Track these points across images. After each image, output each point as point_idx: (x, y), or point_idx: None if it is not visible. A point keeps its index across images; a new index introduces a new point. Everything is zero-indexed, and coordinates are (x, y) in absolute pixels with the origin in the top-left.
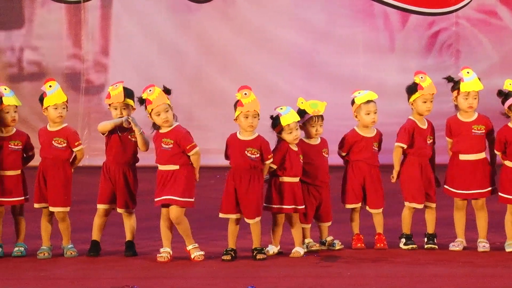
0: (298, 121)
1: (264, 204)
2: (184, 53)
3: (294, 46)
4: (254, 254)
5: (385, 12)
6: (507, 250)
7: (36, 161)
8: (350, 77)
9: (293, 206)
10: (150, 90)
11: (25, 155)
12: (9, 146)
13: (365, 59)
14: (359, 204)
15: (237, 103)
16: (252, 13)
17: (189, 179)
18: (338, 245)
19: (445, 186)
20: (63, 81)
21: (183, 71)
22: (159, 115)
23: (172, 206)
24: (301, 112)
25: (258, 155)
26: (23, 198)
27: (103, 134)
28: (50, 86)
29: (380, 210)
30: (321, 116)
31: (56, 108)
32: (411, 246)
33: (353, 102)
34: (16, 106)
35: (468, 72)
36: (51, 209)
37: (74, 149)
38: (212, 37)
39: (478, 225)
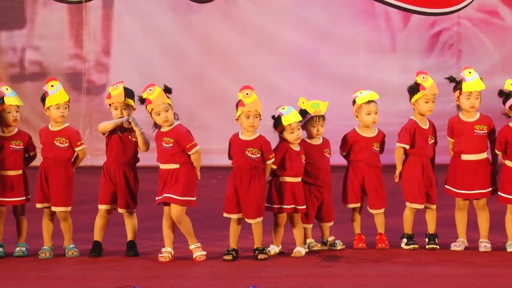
0: (300, 121)
1: (266, 204)
2: (185, 53)
3: (296, 46)
4: (256, 254)
5: (386, 12)
6: (509, 250)
7: (37, 161)
8: (351, 77)
9: (293, 206)
10: (150, 90)
11: (27, 155)
12: (11, 146)
13: (366, 59)
14: (359, 204)
15: (239, 103)
16: (253, 13)
17: (189, 178)
18: (339, 245)
19: (447, 186)
20: (65, 81)
21: (184, 71)
22: (159, 114)
23: (172, 205)
24: (303, 112)
25: (258, 155)
26: (24, 198)
27: (104, 134)
28: (52, 86)
29: (381, 210)
30: (323, 116)
31: (58, 108)
32: (412, 246)
33: (354, 102)
34: (18, 106)
35: (470, 72)
36: (53, 208)
37: (76, 149)
38: (214, 37)
39: (480, 225)
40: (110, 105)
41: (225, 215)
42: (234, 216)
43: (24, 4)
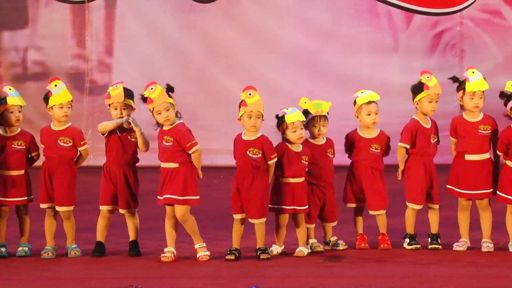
0: (303, 121)
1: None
2: (188, 53)
3: (298, 46)
4: (258, 254)
5: (389, 12)
6: (511, 250)
7: (39, 160)
8: (354, 77)
9: (292, 207)
10: (151, 88)
11: (29, 156)
12: (13, 146)
13: (369, 59)
14: (354, 204)
15: (241, 103)
16: (256, 13)
17: (189, 177)
18: (342, 246)
19: (449, 186)
20: (67, 81)
21: (187, 71)
22: (160, 113)
23: (176, 205)
24: (305, 112)
25: (260, 155)
26: (26, 198)
27: (103, 134)
28: (56, 85)
29: (380, 212)
30: (324, 116)
31: (61, 108)
32: (415, 246)
33: (355, 103)
34: (21, 106)
35: (473, 72)
36: (58, 208)
37: (80, 149)
38: (216, 37)
39: (482, 225)
40: (109, 105)
41: (233, 215)
42: (238, 216)
43: (26, 4)
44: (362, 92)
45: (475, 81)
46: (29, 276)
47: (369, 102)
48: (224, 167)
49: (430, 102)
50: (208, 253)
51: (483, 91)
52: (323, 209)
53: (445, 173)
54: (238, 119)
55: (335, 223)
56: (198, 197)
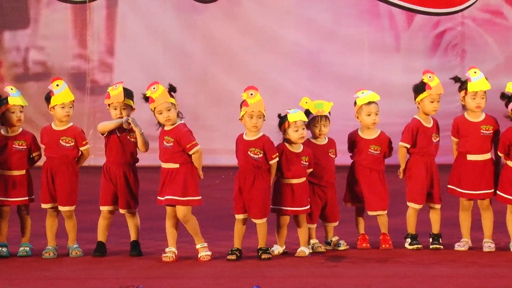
0: (304, 122)
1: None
2: (189, 53)
3: (300, 46)
4: (259, 254)
5: (390, 12)
6: None
7: (40, 160)
8: (355, 77)
9: (292, 208)
10: (154, 88)
11: (31, 156)
12: (14, 146)
13: (370, 59)
14: (360, 204)
15: (243, 103)
16: (257, 13)
17: (189, 177)
18: (343, 246)
19: (450, 186)
20: (69, 81)
21: (188, 71)
22: (161, 113)
23: (177, 206)
24: (306, 112)
25: (261, 155)
26: (27, 198)
27: (103, 134)
28: (57, 85)
29: (379, 212)
30: (325, 116)
31: (63, 107)
32: (416, 246)
33: (355, 103)
34: (22, 106)
35: (475, 72)
36: (60, 208)
37: (81, 148)
38: (218, 37)
39: (484, 225)
40: (109, 105)
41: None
42: (240, 217)
43: (27, 4)
44: (362, 93)
45: (477, 81)
46: (30, 276)
47: (369, 103)
48: (225, 167)
49: (432, 102)
50: (209, 253)
51: (485, 91)
52: (325, 209)
53: (446, 173)
54: (239, 119)
55: (336, 223)
56: (199, 197)
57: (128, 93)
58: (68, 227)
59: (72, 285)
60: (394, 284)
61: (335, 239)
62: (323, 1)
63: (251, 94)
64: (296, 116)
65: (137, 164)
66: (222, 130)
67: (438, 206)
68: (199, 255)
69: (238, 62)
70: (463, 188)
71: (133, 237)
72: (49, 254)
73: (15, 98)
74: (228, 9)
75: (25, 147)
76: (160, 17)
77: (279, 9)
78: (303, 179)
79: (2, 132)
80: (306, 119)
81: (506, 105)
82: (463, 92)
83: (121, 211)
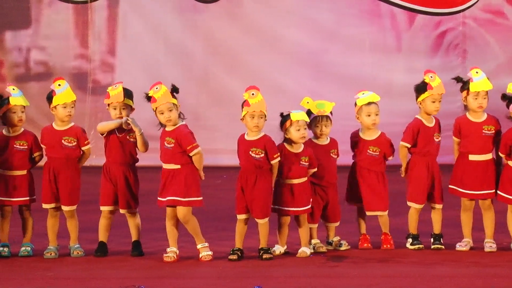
0: (306, 122)
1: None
2: (191, 53)
3: (301, 46)
4: (261, 254)
5: (392, 12)
6: None
7: (41, 161)
8: (357, 77)
9: (291, 208)
10: (156, 88)
11: (32, 156)
12: (15, 146)
13: (372, 59)
14: (361, 204)
15: (244, 103)
16: (259, 13)
17: (190, 178)
18: (344, 246)
19: (452, 186)
20: (70, 81)
21: (190, 71)
22: (162, 113)
23: (178, 206)
24: (308, 112)
25: (262, 155)
26: (28, 198)
27: (102, 134)
28: (59, 85)
29: (377, 212)
30: (326, 116)
31: (65, 107)
32: (417, 246)
33: (356, 104)
34: (24, 106)
35: (477, 72)
36: (64, 208)
37: (84, 148)
38: (219, 37)
39: (485, 225)
40: (108, 105)
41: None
42: (242, 217)
43: (29, 4)
44: (363, 94)
45: (479, 81)
46: (32, 276)
47: (369, 103)
48: (227, 167)
49: (434, 102)
50: (210, 253)
51: (487, 91)
52: (326, 209)
53: (447, 173)
54: (241, 119)
55: (337, 223)
56: (201, 198)
57: (127, 93)
58: (70, 227)
59: (74, 285)
60: (395, 284)
61: (336, 239)
62: (325, 1)
63: (253, 94)
64: (299, 115)
65: (137, 164)
66: (223, 130)
67: (439, 206)
68: (200, 255)
69: (240, 62)
70: (465, 188)
71: (134, 237)
72: (51, 254)
73: (16, 98)
74: (229, 9)
75: (26, 147)
76: (162, 17)
77: (281, 9)
78: (303, 179)
79: (4, 132)
80: (308, 120)
81: (507, 106)
82: (465, 92)
83: (121, 211)
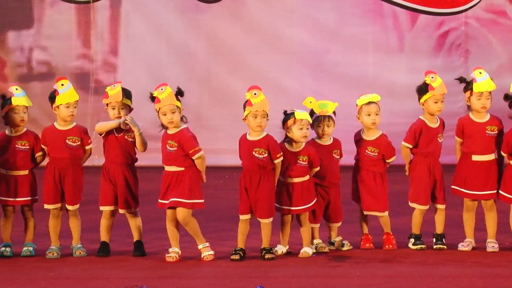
0: (309, 122)
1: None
2: (193, 53)
3: (304, 45)
4: (263, 254)
5: (394, 12)
6: None
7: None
8: (359, 77)
9: (287, 207)
10: (161, 89)
11: (34, 156)
12: (16, 146)
13: (374, 59)
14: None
15: (246, 103)
16: (261, 13)
17: (194, 180)
18: (347, 246)
19: (454, 187)
20: (72, 81)
21: (192, 71)
22: (165, 115)
23: (179, 208)
24: (310, 113)
25: (266, 155)
26: (30, 198)
27: (100, 135)
28: (62, 85)
29: (375, 212)
30: (329, 116)
31: (68, 107)
32: (419, 246)
33: (357, 105)
34: (26, 106)
35: (480, 73)
36: (69, 207)
37: (87, 147)
38: (221, 37)
39: (487, 225)
40: (107, 104)
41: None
42: (244, 217)
43: (32, 4)
44: (365, 96)
45: (483, 81)
46: (34, 276)
47: (369, 103)
48: (229, 167)
49: (436, 102)
50: (212, 252)
51: (490, 92)
52: (327, 209)
53: (450, 173)
54: (243, 119)
55: (339, 224)
56: (203, 200)
57: (126, 93)
58: (73, 227)
59: (76, 285)
60: (397, 284)
61: (338, 239)
62: (327, 0)
63: (255, 93)
64: (303, 114)
65: (137, 164)
66: (225, 130)
67: (442, 206)
68: (202, 255)
69: (242, 62)
70: (468, 189)
71: (136, 237)
72: (53, 254)
73: (19, 98)
74: (232, 9)
75: (27, 147)
76: (164, 17)
77: (283, 8)
78: (303, 178)
79: (7, 132)
80: (310, 121)
81: (510, 106)
82: (468, 93)
83: (121, 211)
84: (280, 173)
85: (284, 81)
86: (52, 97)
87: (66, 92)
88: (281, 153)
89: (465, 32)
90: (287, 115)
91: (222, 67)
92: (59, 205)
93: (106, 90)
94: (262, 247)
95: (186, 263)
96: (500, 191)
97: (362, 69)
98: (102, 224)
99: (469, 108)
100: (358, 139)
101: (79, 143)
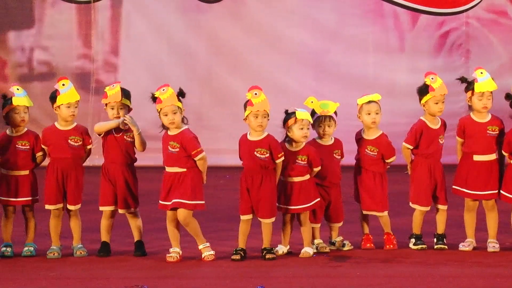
0: (310, 122)
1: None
2: (194, 53)
3: (304, 46)
4: (264, 254)
5: (395, 12)
6: None
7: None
8: (360, 77)
9: (287, 206)
10: (163, 90)
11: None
12: (17, 146)
13: (375, 59)
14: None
15: (247, 103)
16: (262, 13)
17: (196, 181)
18: (347, 246)
19: (455, 187)
20: (73, 81)
21: (193, 71)
22: (166, 115)
23: (180, 209)
24: (311, 113)
25: (267, 154)
26: (30, 198)
27: (99, 135)
28: (64, 85)
29: (373, 212)
30: (330, 116)
31: (69, 107)
32: (420, 246)
33: (357, 104)
34: (27, 106)
35: (481, 73)
36: (70, 207)
37: (88, 147)
38: (222, 37)
39: (488, 225)
40: (106, 104)
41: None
42: (245, 217)
43: (32, 4)
44: (366, 96)
45: (484, 81)
46: (35, 276)
47: (369, 102)
48: (230, 167)
49: (437, 103)
50: (212, 252)
51: (491, 92)
52: (328, 209)
53: (451, 173)
54: (244, 119)
55: (340, 224)
56: (204, 201)
57: (125, 93)
58: (74, 227)
59: (76, 285)
60: (398, 284)
61: (339, 239)
62: (328, 1)
63: (256, 93)
64: (304, 114)
65: (137, 164)
66: (226, 130)
67: (444, 207)
68: (202, 255)
69: (243, 62)
70: (469, 189)
71: (136, 237)
72: (54, 254)
73: (19, 98)
74: (232, 9)
75: (28, 147)
76: (165, 17)
77: (284, 9)
78: (302, 177)
79: (8, 132)
80: (311, 121)
81: (511, 106)
82: (469, 93)
83: (120, 211)
84: (281, 172)
85: (284, 81)
86: (53, 97)
87: (67, 92)
88: (283, 153)
89: (466, 32)
90: (288, 114)
91: (222, 67)
92: (60, 205)
93: (105, 90)
94: (263, 247)
95: (186, 263)
96: (501, 191)
97: (362, 69)
98: (102, 224)
99: (470, 108)
100: (359, 139)
101: (81, 143)
